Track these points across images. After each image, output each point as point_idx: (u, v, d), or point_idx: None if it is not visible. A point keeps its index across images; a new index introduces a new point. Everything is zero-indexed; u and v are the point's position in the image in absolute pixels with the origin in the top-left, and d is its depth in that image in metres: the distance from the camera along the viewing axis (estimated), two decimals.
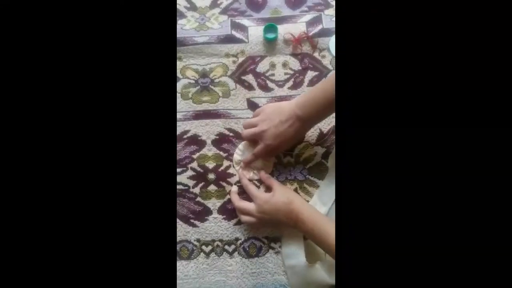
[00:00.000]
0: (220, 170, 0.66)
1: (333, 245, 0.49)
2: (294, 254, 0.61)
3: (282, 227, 0.63)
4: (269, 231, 0.64)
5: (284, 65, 0.70)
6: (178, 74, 0.70)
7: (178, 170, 0.67)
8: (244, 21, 0.73)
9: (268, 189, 0.62)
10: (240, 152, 0.66)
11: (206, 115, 0.69)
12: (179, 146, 0.67)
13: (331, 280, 0.58)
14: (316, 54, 0.70)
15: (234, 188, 0.65)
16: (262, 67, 0.70)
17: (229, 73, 0.70)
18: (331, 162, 0.65)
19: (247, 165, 0.64)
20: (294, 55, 0.71)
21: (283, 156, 0.66)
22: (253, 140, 0.63)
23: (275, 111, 0.60)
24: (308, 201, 0.63)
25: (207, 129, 0.68)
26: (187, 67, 0.71)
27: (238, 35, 0.72)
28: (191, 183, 0.66)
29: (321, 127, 0.67)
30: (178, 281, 0.63)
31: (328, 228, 0.52)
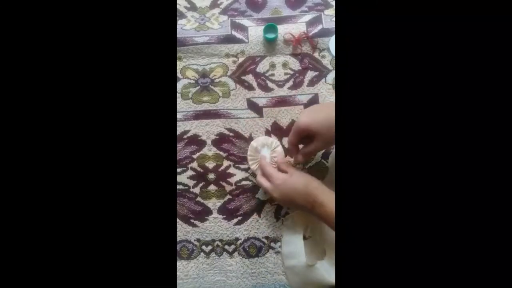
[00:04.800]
0: (220, 170, 0.67)
1: None
2: (294, 254, 0.61)
3: (296, 209, 0.62)
4: (269, 231, 0.64)
5: (284, 65, 0.70)
6: (178, 74, 0.70)
7: (178, 170, 0.67)
8: (244, 21, 0.73)
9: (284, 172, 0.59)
10: (253, 148, 0.64)
11: (206, 115, 0.69)
12: (179, 146, 0.67)
13: (331, 280, 0.58)
14: (316, 54, 0.70)
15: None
16: (262, 67, 0.70)
17: (229, 73, 0.70)
18: (331, 162, 0.65)
19: (292, 145, 0.58)
20: (294, 55, 0.71)
21: None
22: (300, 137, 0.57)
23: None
24: None
25: (207, 129, 0.68)
26: (187, 67, 0.71)
27: (238, 35, 0.72)
28: (191, 183, 0.66)
29: None
30: (178, 281, 0.63)
31: None
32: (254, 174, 0.65)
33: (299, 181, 0.55)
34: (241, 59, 0.71)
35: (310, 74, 0.69)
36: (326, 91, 0.68)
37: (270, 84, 0.69)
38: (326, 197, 0.53)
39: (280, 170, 0.59)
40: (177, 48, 0.71)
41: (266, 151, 0.64)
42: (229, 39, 0.71)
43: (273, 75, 0.70)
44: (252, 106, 0.68)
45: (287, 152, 0.62)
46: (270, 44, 0.71)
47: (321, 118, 0.54)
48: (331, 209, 0.51)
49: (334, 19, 0.71)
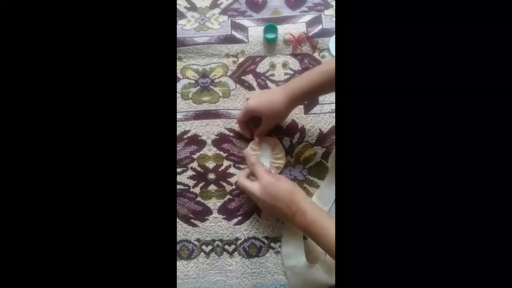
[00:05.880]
0: (220, 170, 0.67)
1: (333, 242, 0.49)
2: (294, 254, 0.61)
3: (279, 216, 0.60)
4: (269, 231, 0.64)
5: (284, 65, 0.70)
6: (178, 74, 0.71)
7: (178, 170, 0.67)
8: (244, 21, 0.73)
9: None
10: (251, 149, 0.65)
11: (206, 115, 0.69)
12: (179, 146, 0.67)
13: (331, 280, 0.58)
14: (316, 54, 0.70)
15: (244, 172, 0.63)
16: (262, 67, 0.70)
17: (229, 73, 0.70)
18: (331, 162, 0.65)
19: (240, 122, 0.66)
20: (294, 55, 0.71)
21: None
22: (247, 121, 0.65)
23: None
24: None
25: (207, 129, 0.68)
26: (187, 67, 0.71)
27: (238, 35, 0.72)
28: (191, 183, 0.66)
29: (321, 127, 0.67)
30: (178, 281, 0.63)
31: (328, 224, 0.51)
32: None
33: (286, 187, 0.56)
34: (241, 59, 0.71)
35: None
36: None
37: (270, 84, 0.70)
38: (308, 207, 0.54)
39: None
40: (177, 48, 0.71)
41: (266, 151, 0.64)
42: (229, 39, 0.71)
43: (273, 75, 0.70)
44: None
45: (241, 131, 0.67)
46: (270, 44, 0.71)
47: (264, 102, 0.61)
48: (311, 220, 0.52)
49: (334, 19, 0.72)
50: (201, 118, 0.68)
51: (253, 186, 0.58)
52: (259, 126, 0.63)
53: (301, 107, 0.68)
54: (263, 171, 0.59)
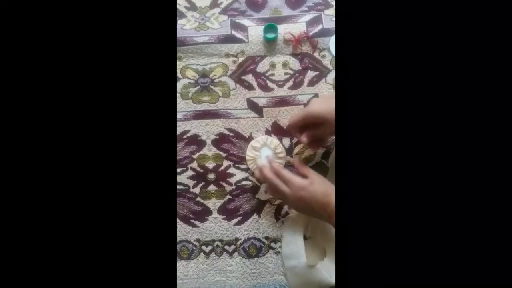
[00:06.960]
0: (220, 170, 0.66)
1: None
2: (294, 255, 0.61)
3: (311, 216, 0.60)
4: (269, 231, 0.64)
5: (284, 65, 0.70)
6: (178, 74, 0.70)
7: (178, 170, 0.67)
8: (244, 21, 0.73)
9: (303, 177, 0.57)
10: (252, 149, 0.65)
11: (206, 115, 0.69)
12: (179, 146, 0.67)
13: (332, 280, 0.58)
14: (316, 54, 0.70)
15: (261, 162, 0.62)
16: (262, 67, 0.70)
17: (229, 73, 0.70)
18: (331, 162, 0.65)
19: (294, 126, 0.60)
20: (294, 55, 0.70)
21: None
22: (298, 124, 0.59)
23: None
24: None
25: (207, 129, 0.68)
26: (187, 67, 0.71)
27: (238, 35, 0.71)
28: (191, 183, 0.66)
29: None
30: (178, 281, 0.63)
31: None
32: (254, 174, 0.65)
33: (319, 190, 0.54)
34: (241, 59, 0.70)
35: (310, 74, 0.69)
36: (326, 91, 0.68)
37: (270, 84, 0.69)
38: None
39: (299, 173, 0.58)
40: (177, 48, 0.71)
41: (266, 151, 0.64)
42: (229, 39, 0.71)
43: (273, 75, 0.70)
44: (252, 106, 0.68)
45: (295, 135, 0.62)
46: (270, 44, 0.71)
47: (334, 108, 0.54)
48: None
49: (334, 19, 0.71)
50: (200, 118, 0.68)
51: (284, 189, 0.55)
52: (316, 130, 0.58)
53: (301, 107, 0.68)
54: (293, 175, 0.56)
